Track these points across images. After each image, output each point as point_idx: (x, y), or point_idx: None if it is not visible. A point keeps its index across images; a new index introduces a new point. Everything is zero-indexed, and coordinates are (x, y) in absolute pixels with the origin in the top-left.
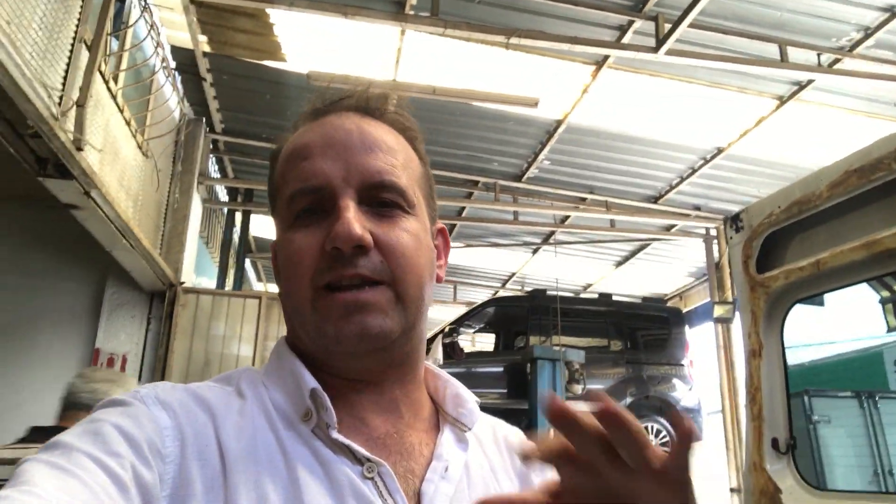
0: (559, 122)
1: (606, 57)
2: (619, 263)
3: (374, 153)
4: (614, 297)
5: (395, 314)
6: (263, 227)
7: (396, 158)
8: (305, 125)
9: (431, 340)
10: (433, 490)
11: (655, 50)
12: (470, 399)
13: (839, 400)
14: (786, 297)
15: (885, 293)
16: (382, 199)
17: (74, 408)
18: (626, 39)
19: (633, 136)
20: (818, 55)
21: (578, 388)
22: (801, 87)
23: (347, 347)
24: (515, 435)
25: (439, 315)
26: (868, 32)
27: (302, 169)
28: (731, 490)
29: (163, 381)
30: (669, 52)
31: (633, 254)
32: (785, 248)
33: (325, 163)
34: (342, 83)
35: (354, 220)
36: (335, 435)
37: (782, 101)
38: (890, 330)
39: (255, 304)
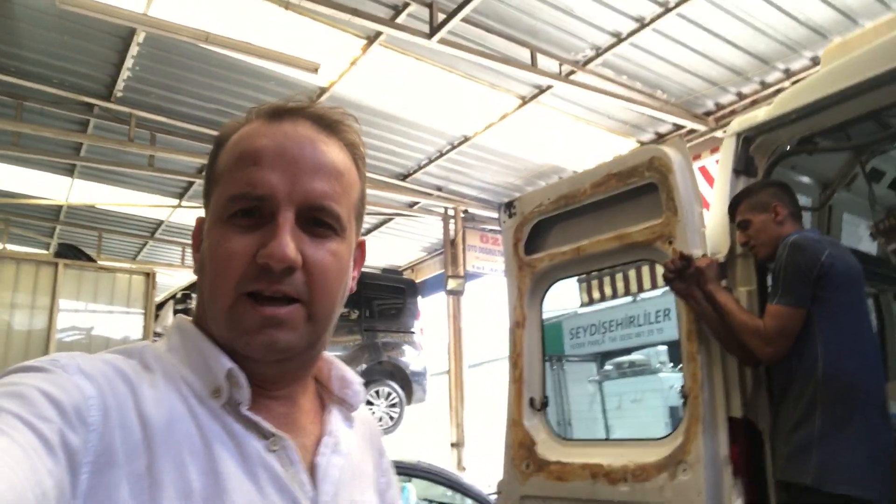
0: (323, 90)
1: (379, 34)
2: (363, 235)
3: (321, 175)
4: None
5: (304, 330)
6: None
7: (340, 183)
8: (259, 123)
9: (161, 307)
10: (326, 462)
11: (429, 36)
12: (355, 380)
13: None
14: (548, 277)
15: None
16: (318, 220)
17: None
18: (399, 20)
19: (391, 114)
20: (560, 65)
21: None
22: (542, 90)
23: (254, 355)
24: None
25: (170, 280)
26: (599, 52)
27: (250, 173)
28: (452, 445)
29: (79, 352)
30: (441, 42)
31: (377, 227)
32: (549, 234)
33: (274, 175)
34: (97, 12)
35: (290, 240)
36: (245, 412)
37: (524, 101)
38: (582, 305)
39: None
